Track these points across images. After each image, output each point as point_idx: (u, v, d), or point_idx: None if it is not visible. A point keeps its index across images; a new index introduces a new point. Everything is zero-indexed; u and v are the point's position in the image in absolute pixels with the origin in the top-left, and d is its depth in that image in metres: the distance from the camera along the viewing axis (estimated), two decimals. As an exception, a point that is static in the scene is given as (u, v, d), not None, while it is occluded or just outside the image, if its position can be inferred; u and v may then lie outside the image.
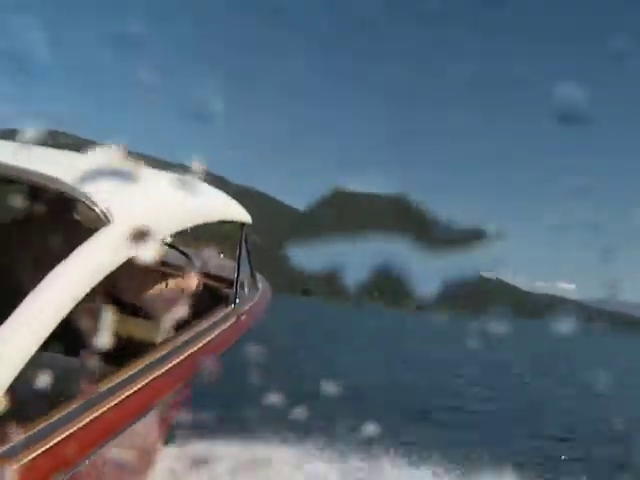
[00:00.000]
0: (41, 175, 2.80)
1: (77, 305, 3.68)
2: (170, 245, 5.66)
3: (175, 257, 5.52)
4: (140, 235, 2.59)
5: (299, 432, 7.13)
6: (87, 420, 2.50)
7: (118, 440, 2.91)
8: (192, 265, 5.28)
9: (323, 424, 7.48)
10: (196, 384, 4.82)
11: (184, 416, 5.33)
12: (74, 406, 2.50)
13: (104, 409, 2.63)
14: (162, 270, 5.16)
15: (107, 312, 3.95)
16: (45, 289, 2.33)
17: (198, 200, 3.99)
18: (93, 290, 3.76)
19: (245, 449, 6.19)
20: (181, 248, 5.56)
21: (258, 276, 6.12)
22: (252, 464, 5.70)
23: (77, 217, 3.36)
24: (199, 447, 6.05)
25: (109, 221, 2.68)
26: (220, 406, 7.50)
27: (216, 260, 6.07)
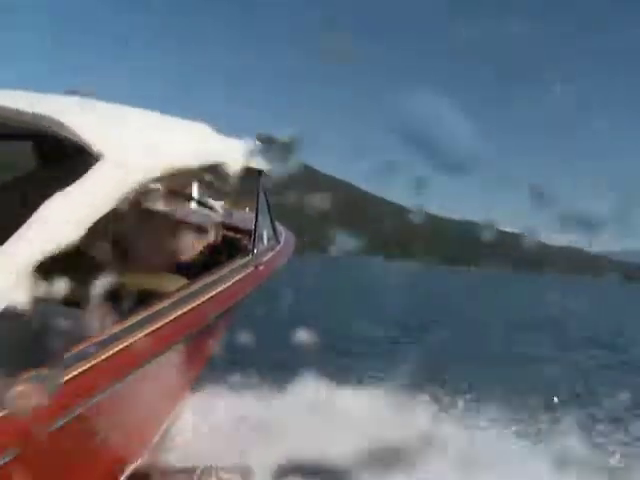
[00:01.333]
0: (23, 113, 2.66)
1: (94, 261, 3.71)
2: (191, 197, 5.59)
3: (195, 209, 5.45)
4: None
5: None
6: (105, 355, 2.55)
7: (137, 378, 2.92)
8: (212, 217, 5.20)
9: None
10: (223, 334, 4.84)
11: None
12: (92, 342, 2.56)
13: (119, 347, 2.66)
14: (181, 221, 5.09)
15: (122, 267, 3.96)
16: (29, 228, 2.24)
17: (210, 144, 3.85)
18: (106, 243, 3.77)
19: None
20: (202, 200, 5.50)
21: (281, 228, 6.00)
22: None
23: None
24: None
25: (102, 158, 2.52)
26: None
27: (239, 213, 5.99)
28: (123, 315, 2.93)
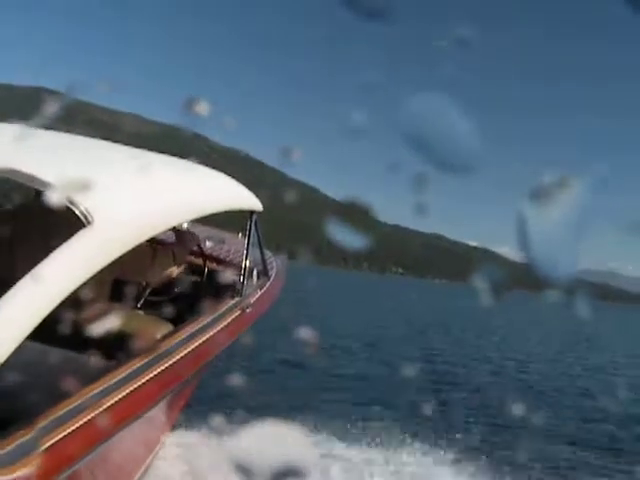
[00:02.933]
0: (12, 171, 2.57)
1: (79, 297, 3.61)
2: (180, 230, 5.48)
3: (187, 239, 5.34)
4: None
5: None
6: (88, 417, 2.39)
7: (121, 433, 2.76)
8: (202, 249, 5.11)
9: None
10: (202, 376, 4.75)
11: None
12: (75, 403, 2.37)
13: (106, 406, 2.51)
14: (171, 253, 4.99)
15: (109, 307, 3.87)
16: (15, 297, 2.10)
17: (201, 189, 3.72)
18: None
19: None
20: (191, 231, 5.40)
21: (271, 259, 5.88)
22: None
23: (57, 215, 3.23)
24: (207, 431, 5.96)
25: (89, 222, 2.44)
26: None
27: (231, 241, 5.90)
28: (105, 363, 2.86)
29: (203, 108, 1.99)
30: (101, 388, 2.56)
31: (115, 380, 2.70)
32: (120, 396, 2.65)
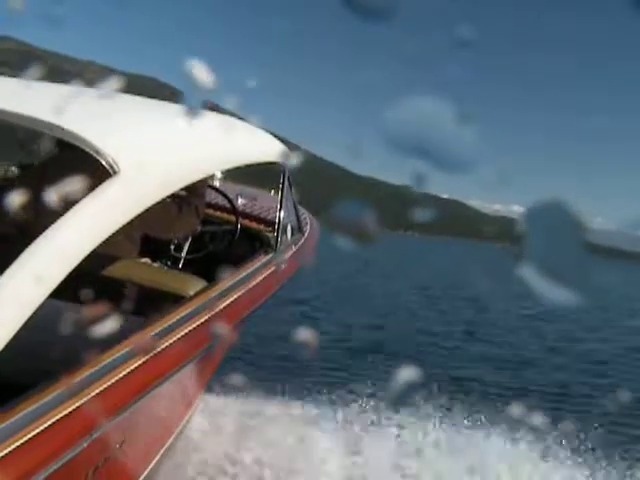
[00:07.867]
0: (39, 121, 2.52)
1: (107, 252, 3.60)
2: (210, 185, 5.42)
3: (215, 196, 5.30)
4: None
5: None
6: (122, 374, 2.37)
7: (154, 391, 2.73)
8: (233, 206, 5.07)
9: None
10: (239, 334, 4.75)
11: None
12: (99, 364, 2.31)
13: (140, 362, 2.47)
14: (194, 207, 4.95)
15: (139, 262, 3.86)
16: (36, 252, 2.05)
17: (230, 139, 3.63)
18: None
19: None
20: (220, 187, 5.34)
21: (305, 216, 5.84)
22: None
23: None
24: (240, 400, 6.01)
25: (115, 172, 2.39)
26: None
27: (263, 198, 5.85)
28: (135, 319, 2.83)
29: (205, 75, 1.74)
30: (128, 348, 2.53)
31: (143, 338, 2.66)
32: (150, 355, 2.59)
